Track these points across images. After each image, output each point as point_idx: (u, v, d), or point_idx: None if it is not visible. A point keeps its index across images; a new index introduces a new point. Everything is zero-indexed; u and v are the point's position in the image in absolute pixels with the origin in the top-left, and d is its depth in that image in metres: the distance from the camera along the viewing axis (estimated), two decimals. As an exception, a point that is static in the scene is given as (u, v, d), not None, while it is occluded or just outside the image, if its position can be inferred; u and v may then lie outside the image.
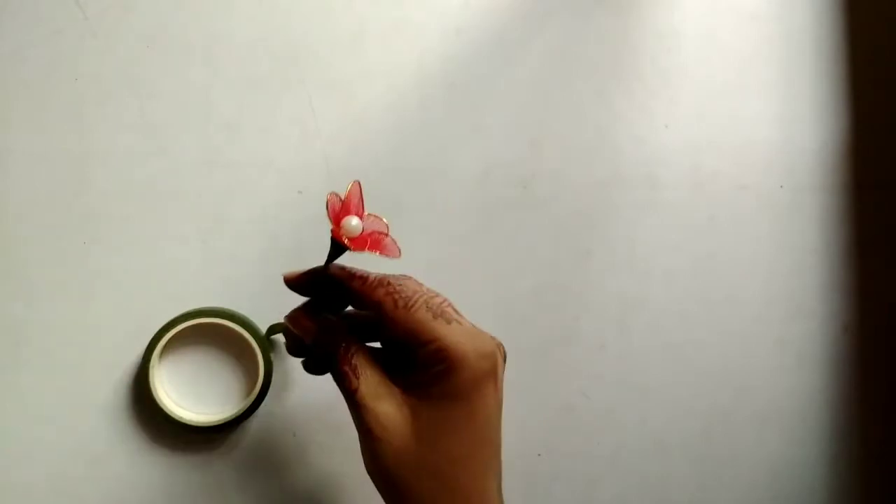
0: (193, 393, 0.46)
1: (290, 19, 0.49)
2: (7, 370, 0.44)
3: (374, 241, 0.31)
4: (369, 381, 0.30)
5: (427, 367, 0.29)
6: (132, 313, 0.45)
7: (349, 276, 0.32)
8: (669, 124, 0.54)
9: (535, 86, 0.52)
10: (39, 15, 0.45)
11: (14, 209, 0.44)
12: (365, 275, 0.32)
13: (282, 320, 0.33)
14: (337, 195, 0.31)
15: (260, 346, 0.44)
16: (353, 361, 0.31)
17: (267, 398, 0.45)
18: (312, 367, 0.33)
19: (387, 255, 0.31)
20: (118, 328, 0.45)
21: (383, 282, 0.31)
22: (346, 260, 0.33)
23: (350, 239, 0.31)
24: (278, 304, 0.41)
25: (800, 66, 0.57)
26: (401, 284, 0.31)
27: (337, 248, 0.32)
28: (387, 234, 0.32)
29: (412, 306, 0.30)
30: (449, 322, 0.30)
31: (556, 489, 0.51)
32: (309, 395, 0.47)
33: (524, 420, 0.50)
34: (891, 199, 0.58)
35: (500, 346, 0.32)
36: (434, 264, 0.49)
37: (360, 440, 0.31)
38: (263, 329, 0.45)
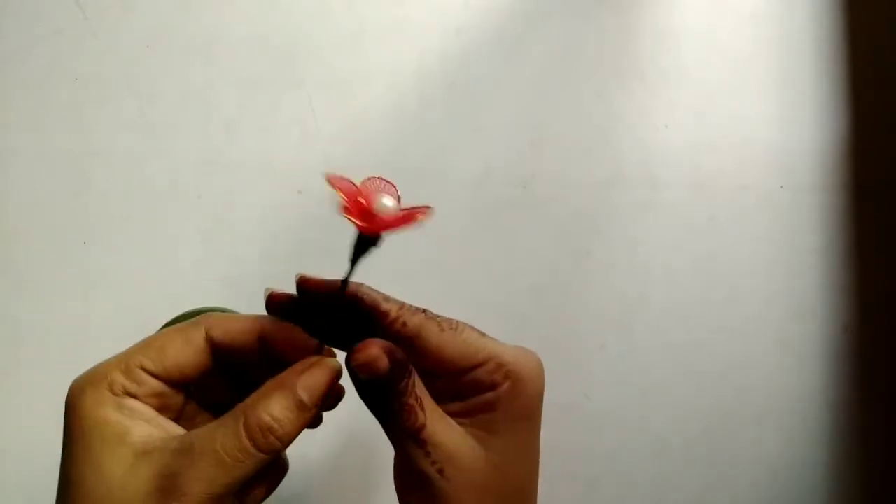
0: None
1: (289, 19, 0.49)
2: (7, 370, 0.44)
3: (409, 214, 0.24)
4: (435, 414, 0.25)
5: (485, 390, 0.26)
6: (132, 313, 0.45)
7: (382, 299, 0.26)
8: (669, 124, 0.54)
9: (535, 86, 0.52)
10: (39, 15, 0.45)
11: (14, 209, 0.44)
12: (399, 302, 0.26)
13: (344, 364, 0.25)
14: (340, 178, 0.23)
15: None
16: (416, 392, 0.25)
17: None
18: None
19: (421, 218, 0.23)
20: (118, 328, 0.45)
21: (419, 309, 0.26)
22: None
23: (388, 220, 0.23)
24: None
25: (800, 66, 0.57)
26: (434, 312, 0.27)
27: (365, 243, 0.24)
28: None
29: (457, 327, 0.26)
30: (495, 340, 0.27)
31: (556, 489, 0.51)
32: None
33: (524, 420, 0.50)
34: (891, 199, 0.58)
35: None
36: (434, 264, 0.49)
37: (411, 483, 0.26)
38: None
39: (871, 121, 0.58)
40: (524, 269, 0.51)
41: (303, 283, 0.27)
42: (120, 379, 0.24)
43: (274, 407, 0.23)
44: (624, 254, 0.53)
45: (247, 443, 0.22)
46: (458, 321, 0.27)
